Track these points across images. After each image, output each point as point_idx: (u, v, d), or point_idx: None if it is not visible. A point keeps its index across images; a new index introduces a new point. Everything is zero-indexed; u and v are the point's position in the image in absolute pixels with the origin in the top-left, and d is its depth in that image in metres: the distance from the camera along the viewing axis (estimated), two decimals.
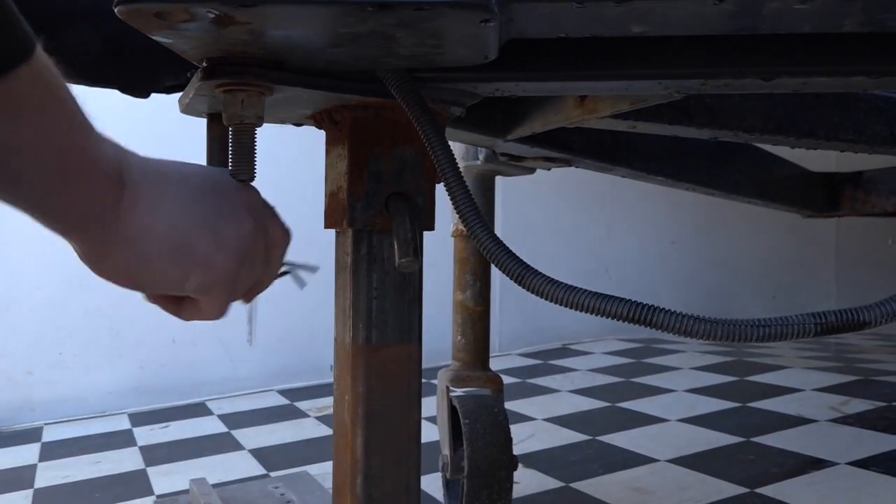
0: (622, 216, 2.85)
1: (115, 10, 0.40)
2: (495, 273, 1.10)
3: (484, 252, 0.48)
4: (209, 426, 1.74)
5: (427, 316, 0.64)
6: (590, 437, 1.41)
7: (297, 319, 2.19)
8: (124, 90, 0.70)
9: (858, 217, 1.31)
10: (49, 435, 1.77)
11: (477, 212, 0.49)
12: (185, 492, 1.24)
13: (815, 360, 2.09)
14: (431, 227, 0.60)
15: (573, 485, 1.16)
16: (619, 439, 1.39)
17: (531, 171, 1.07)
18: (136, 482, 1.34)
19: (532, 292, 0.47)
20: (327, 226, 0.63)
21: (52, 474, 1.43)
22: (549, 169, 1.06)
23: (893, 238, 3.17)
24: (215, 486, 1.23)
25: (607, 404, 1.68)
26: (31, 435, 1.77)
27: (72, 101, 0.38)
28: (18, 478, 1.42)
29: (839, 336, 2.90)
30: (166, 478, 1.36)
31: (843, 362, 2.07)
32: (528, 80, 0.55)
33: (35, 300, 1.93)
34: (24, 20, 0.33)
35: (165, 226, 0.43)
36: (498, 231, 0.90)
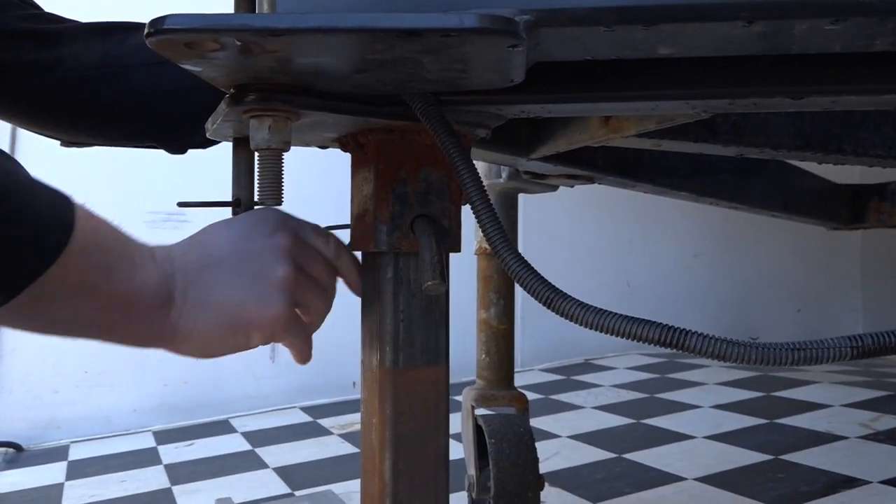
0: (644, 229, 2.83)
1: (147, 41, 0.41)
2: (518, 289, 1.10)
3: (511, 275, 0.48)
4: (233, 444, 1.75)
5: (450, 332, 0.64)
6: (616, 455, 1.40)
7: (319, 336, 2.19)
8: (162, 146, 0.74)
9: (884, 229, 1.29)
10: (75, 453, 1.78)
11: (504, 235, 0.49)
12: None
13: (843, 375, 2.06)
14: (458, 249, 0.60)
15: None
16: (646, 457, 1.37)
17: (554, 188, 1.06)
18: (162, 501, 1.35)
19: (561, 315, 0.47)
20: (354, 248, 0.63)
21: (78, 493, 1.44)
22: (572, 186, 1.05)
23: None
24: None
25: (632, 421, 1.66)
26: (57, 453, 1.79)
27: (117, 244, 0.45)
28: (45, 496, 1.43)
29: None
30: (191, 497, 1.36)
31: (871, 377, 2.03)
32: (554, 102, 0.55)
33: None
34: (58, 195, 0.39)
35: (213, 314, 0.50)
36: (520, 245, 0.90)
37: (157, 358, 2.05)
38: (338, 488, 1.31)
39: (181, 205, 0.66)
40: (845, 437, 1.40)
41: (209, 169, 2.04)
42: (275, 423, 1.94)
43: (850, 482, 1.15)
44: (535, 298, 0.47)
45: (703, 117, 0.60)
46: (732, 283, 3.02)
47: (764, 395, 1.83)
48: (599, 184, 1.02)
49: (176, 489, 1.41)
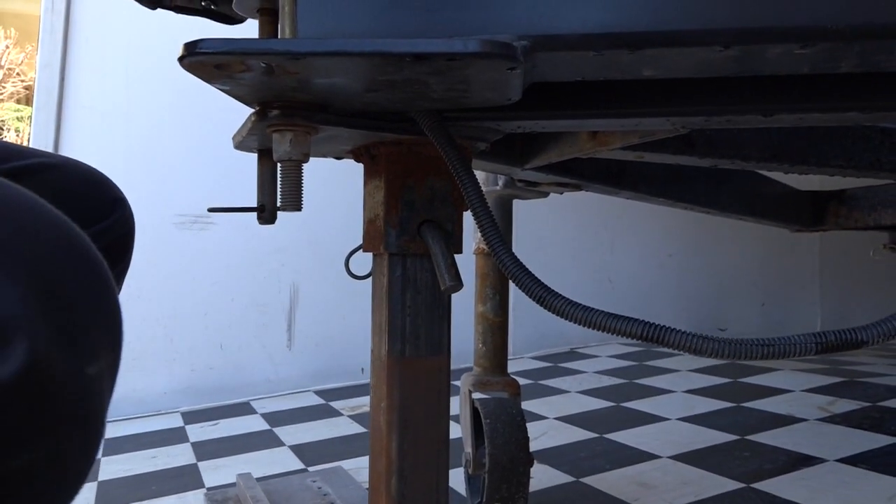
0: (623, 232, 2.82)
1: (180, 63, 0.41)
2: (511, 285, 1.09)
3: (508, 275, 0.48)
4: (253, 424, 1.74)
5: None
6: (597, 435, 1.40)
7: (331, 326, 2.19)
8: None
9: (840, 231, 1.29)
10: (111, 432, 1.78)
11: (501, 238, 0.49)
12: (233, 485, 1.24)
13: (803, 363, 2.06)
14: (460, 251, 0.60)
15: (583, 479, 1.15)
16: (624, 437, 1.37)
17: (545, 195, 1.06)
18: (189, 476, 1.34)
19: (552, 311, 0.47)
20: (366, 250, 0.63)
21: (113, 468, 1.43)
22: (561, 193, 1.05)
23: (875, 249, 3.12)
24: (259, 479, 1.23)
25: (613, 404, 1.66)
26: None
27: None
28: None
29: None
30: (215, 472, 1.35)
31: (828, 364, 2.03)
32: (547, 119, 0.54)
33: None
34: None
35: None
36: (514, 246, 0.90)
37: (185, 346, 2.04)
38: (347, 464, 1.31)
39: (211, 210, 0.66)
40: (805, 420, 1.39)
41: (235, 176, 2.04)
42: (291, 406, 1.94)
43: (808, 460, 1.15)
44: (529, 296, 0.47)
45: (682, 132, 0.60)
46: (702, 280, 3.02)
47: (731, 381, 1.83)
48: (586, 191, 1.02)
49: (201, 464, 1.41)
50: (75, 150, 1.97)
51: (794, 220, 1.23)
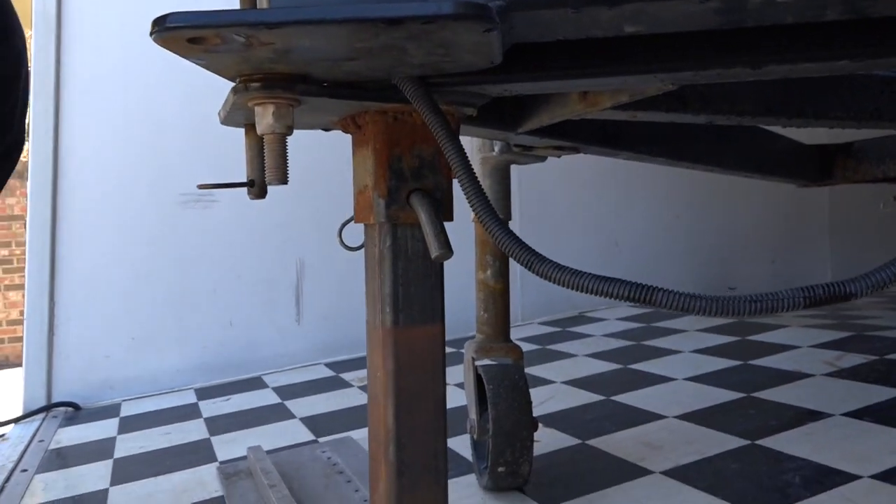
0: (629, 194, 2.81)
1: (151, 37, 0.40)
2: None
3: (495, 241, 0.47)
4: (265, 398, 1.77)
5: (452, 292, 0.64)
6: (604, 398, 1.41)
7: (339, 299, 2.21)
8: None
9: (849, 185, 1.28)
10: (126, 410, 1.81)
11: (488, 205, 0.48)
12: (244, 458, 1.26)
13: (812, 318, 2.05)
14: (450, 219, 0.60)
15: (588, 441, 1.16)
16: (631, 398, 1.38)
17: (542, 159, 1.05)
18: (202, 450, 1.37)
19: (540, 276, 0.47)
20: (357, 220, 0.62)
21: (128, 445, 1.46)
22: (559, 156, 1.04)
23: (885, 201, 3.08)
24: (270, 451, 1.25)
25: (620, 366, 1.67)
26: (111, 410, 1.82)
27: None
28: (100, 449, 1.46)
29: None
30: (227, 446, 1.38)
31: (837, 319, 2.03)
32: (532, 81, 0.54)
33: (109, 294, 1.96)
34: None
35: None
36: (518, 212, 0.89)
37: (195, 324, 2.07)
38: (356, 434, 1.33)
39: (201, 187, 0.66)
40: (811, 375, 1.40)
41: (237, 153, 2.04)
42: (302, 379, 1.96)
43: (814, 415, 1.16)
44: (518, 262, 0.47)
45: (671, 89, 0.59)
46: (711, 240, 3.00)
47: (739, 339, 1.83)
48: (584, 153, 1.01)
49: (214, 439, 1.44)
50: (75, 135, 1.97)
51: (801, 175, 1.21)
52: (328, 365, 2.11)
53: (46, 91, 1.94)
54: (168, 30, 0.38)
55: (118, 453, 1.42)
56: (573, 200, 2.69)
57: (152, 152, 2.05)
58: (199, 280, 2.07)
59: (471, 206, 0.48)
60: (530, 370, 1.74)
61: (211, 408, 1.73)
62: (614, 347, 1.90)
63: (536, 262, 0.46)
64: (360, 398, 1.66)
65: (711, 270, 2.97)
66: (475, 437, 1.00)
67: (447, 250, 0.54)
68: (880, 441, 1.02)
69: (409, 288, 0.59)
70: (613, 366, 1.68)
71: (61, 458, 1.41)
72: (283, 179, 0.53)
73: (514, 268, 1.83)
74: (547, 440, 1.17)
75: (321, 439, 1.35)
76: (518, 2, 0.41)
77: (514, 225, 1.00)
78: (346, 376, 1.93)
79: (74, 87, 1.99)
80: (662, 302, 0.43)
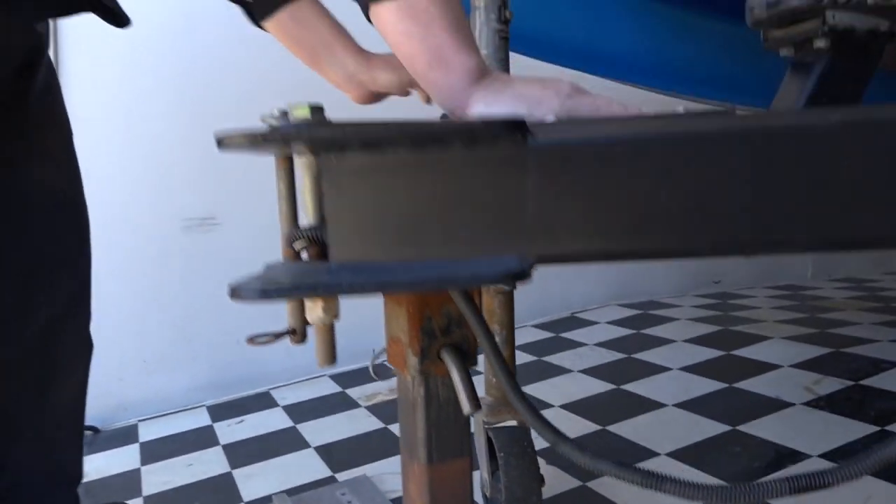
0: None
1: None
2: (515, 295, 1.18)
3: (523, 417, 0.55)
4: (277, 419, 1.86)
5: None
6: (600, 428, 1.51)
7: (341, 313, 2.28)
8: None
9: None
10: (144, 433, 1.89)
11: (516, 386, 0.56)
12: (268, 498, 1.35)
13: (792, 326, 2.17)
14: (475, 364, 0.67)
15: (588, 484, 1.26)
16: (626, 429, 1.48)
17: None
18: (225, 489, 1.45)
19: (562, 455, 0.55)
20: (390, 363, 0.70)
21: (154, 480, 1.55)
22: None
23: None
24: (291, 492, 1.34)
25: (613, 387, 1.77)
26: (129, 434, 1.90)
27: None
28: (127, 484, 1.54)
29: (812, 288, 2.96)
30: (249, 481, 1.47)
31: (817, 327, 2.14)
32: None
33: (119, 318, 2.03)
34: None
35: (513, 90, 0.55)
36: None
37: (204, 344, 2.14)
38: (370, 470, 1.42)
39: (250, 343, 0.73)
40: (792, 404, 1.50)
41: (239, 176, 2.09)
42: (310, 395, 2.05)
43: (793, 455, 1.26)
44: (542, 438, 0.54)
45: None
46: None
47: (724, 353, 1.94)
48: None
49: (235, 473, 1.52)
50: (82, 154, 2.00)
51: None
52: (333, 377, 2.20)
53: None
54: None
55: (146, 489, 1.50)
56: None
57: (154, 177, 2.09)
58: (204, 301, 2.13)
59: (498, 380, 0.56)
60: (528, 388, 1.84)
61: (226, 432, 1.81)
62: (607, 361, 2.00)
63: (560, 442, 0.55)
64: (368, 422, 1.75)
65: (697, 265, 3.07)
66: (488, 494, 1.10)
67: (477, 407, 0.62)
68: (851, 488, 1.12)
69: (441, 431, 0.67)
70: (608, 386, 1.78)
71: (91, 497, 1.49)
72: (332, 362, 0.60)
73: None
74: (550, 481, 1.27)
75: (338, 475, 1.44)
76: None
77: None
78: (352, 393, 2.02)
79: (72, 114, 2.01)
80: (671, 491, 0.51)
